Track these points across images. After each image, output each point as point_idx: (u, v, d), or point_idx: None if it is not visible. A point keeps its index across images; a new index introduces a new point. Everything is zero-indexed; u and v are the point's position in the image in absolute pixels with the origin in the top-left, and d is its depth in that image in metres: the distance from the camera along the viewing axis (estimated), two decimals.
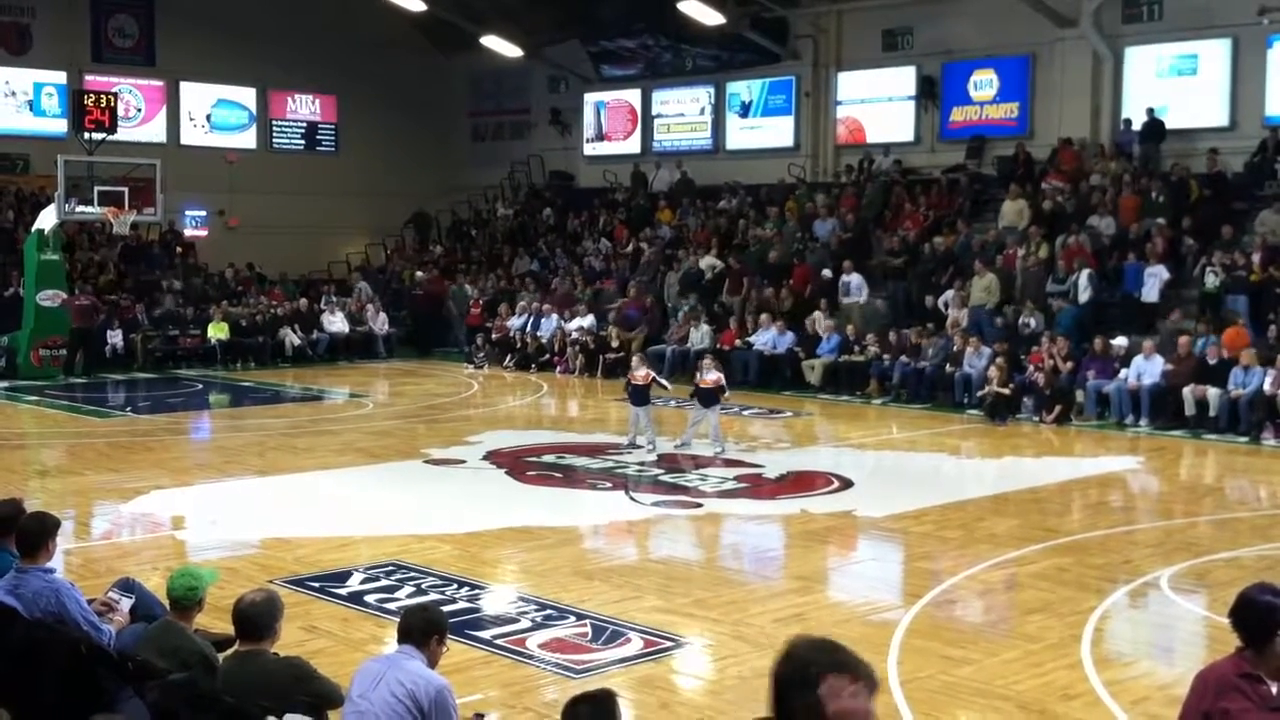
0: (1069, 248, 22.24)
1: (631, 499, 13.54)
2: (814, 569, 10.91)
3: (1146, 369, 18.93)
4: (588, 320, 26.30)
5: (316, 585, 9.79)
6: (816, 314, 23.55)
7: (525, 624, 8.90)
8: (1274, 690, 4.52)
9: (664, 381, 17.34)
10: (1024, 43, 26.43)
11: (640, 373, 16.71)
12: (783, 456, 16.45)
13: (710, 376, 16.47)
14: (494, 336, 27.34)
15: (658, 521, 12.62)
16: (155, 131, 32.95)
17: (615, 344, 24.88)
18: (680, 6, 28.67)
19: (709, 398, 16.33)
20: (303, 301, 28.59)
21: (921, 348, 21.48)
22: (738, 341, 23.81)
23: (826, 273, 24.95)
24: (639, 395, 16.46)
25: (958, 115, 27.77)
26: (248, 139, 34.97)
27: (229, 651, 5.95)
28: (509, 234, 33.22)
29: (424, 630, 5.49)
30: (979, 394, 19.53)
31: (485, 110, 37.51)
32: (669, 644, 8.53)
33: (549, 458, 15.90)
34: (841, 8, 29.35)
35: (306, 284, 31.81)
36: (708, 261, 26.91)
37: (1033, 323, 21.37)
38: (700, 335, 24.24)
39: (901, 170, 27.75)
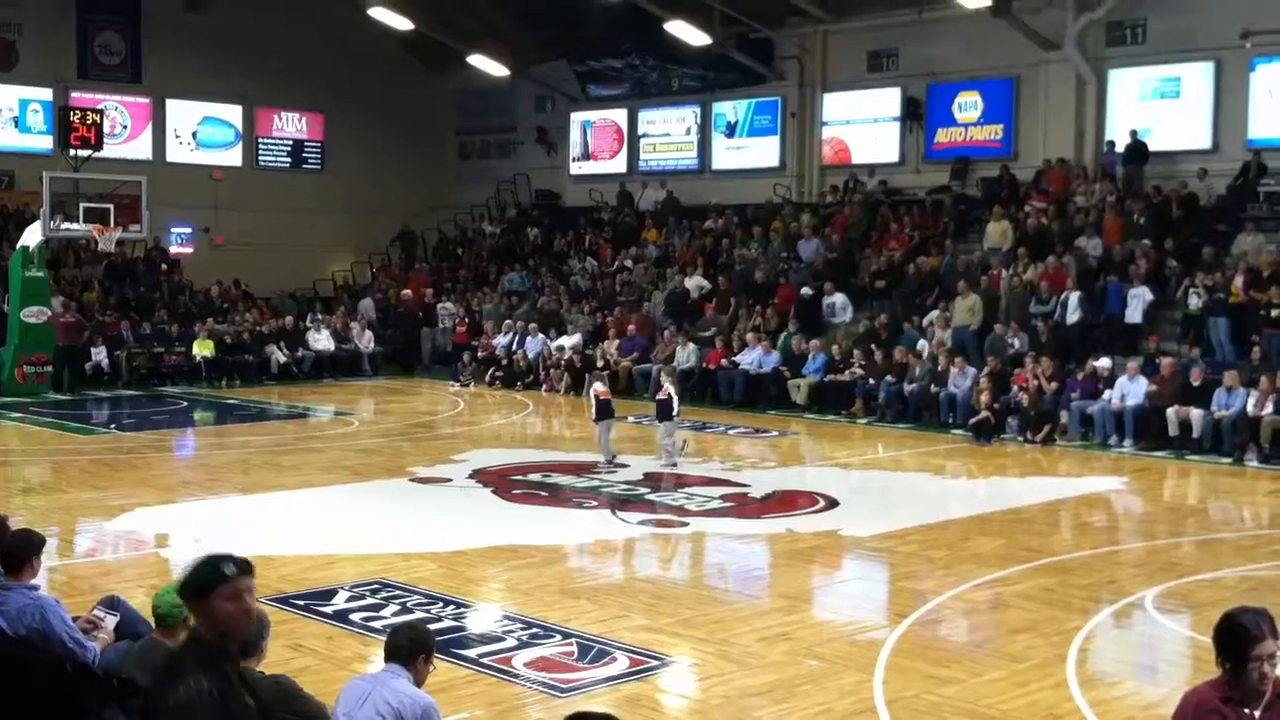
0: (1048, 269, 22.35)
1: (617, 518, 13.53)
2: (800, 588, 10.91)
3: (1130, 389, 19.01)
4: (574, 339, 26.31)
5: (301, 603, 9.76)
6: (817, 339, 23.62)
7: (511, 643, 8.89)
8: (1256, 715, 4.51)
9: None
10: (1008, 65, 26.58)
11: (601, 387, 17.07)
12: (768, 475, 16.45)
13: (661, 392, 16.65)
14: (479, 354, 27.33)
15: (643, 540, 12.62)
16: (141, 148, 32.90)
17: (601, 364, 24.86)
18: (667, 27, 28.80)
19: (660, 412, 16.47)
20: (288, 319, 28.55)
21: (908, 366, 21.52)
22: (724, 361, 23.83)
23: (806, 290, 25.03)
24: (603, 410, 16.68)
25: (942, 136, 27.92)
26: (234, 156, 34.94)
27: None
28: (495, 253, 33.23)
29: (410, 649, 5.50)
30: (973, 420, 19.47)
31: (472, 129, 37.57)
32: (655, 663, 8.53)
33: (535, 476, 15.89)
34: (827, 29, 29.50)
35: (307, 300, 31.89)
36: (695, 282, 26.96)
37: (1017, 343, 21.43)
38: (686, 355, 24.26)
39: (886, 191, 27.87)
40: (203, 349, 26.40)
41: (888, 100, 28.65)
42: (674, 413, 16.57)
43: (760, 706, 7.74)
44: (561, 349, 25.96)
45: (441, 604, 9.81)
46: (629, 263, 29.36)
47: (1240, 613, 4.64)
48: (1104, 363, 19.91)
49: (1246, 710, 4.49)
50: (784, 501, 14.60)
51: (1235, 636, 4.56)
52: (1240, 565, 11.76)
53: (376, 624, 9.17)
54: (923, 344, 21.90)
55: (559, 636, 8.99)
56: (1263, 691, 4.49)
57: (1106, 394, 19.32)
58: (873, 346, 22.38)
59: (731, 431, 20.38)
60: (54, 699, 5.58)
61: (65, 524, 13.00)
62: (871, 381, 21.80)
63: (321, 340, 28.17)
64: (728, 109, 31.51)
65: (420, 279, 32.38)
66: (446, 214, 35.90)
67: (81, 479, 15.54)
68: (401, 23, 32.44)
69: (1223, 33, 23.50)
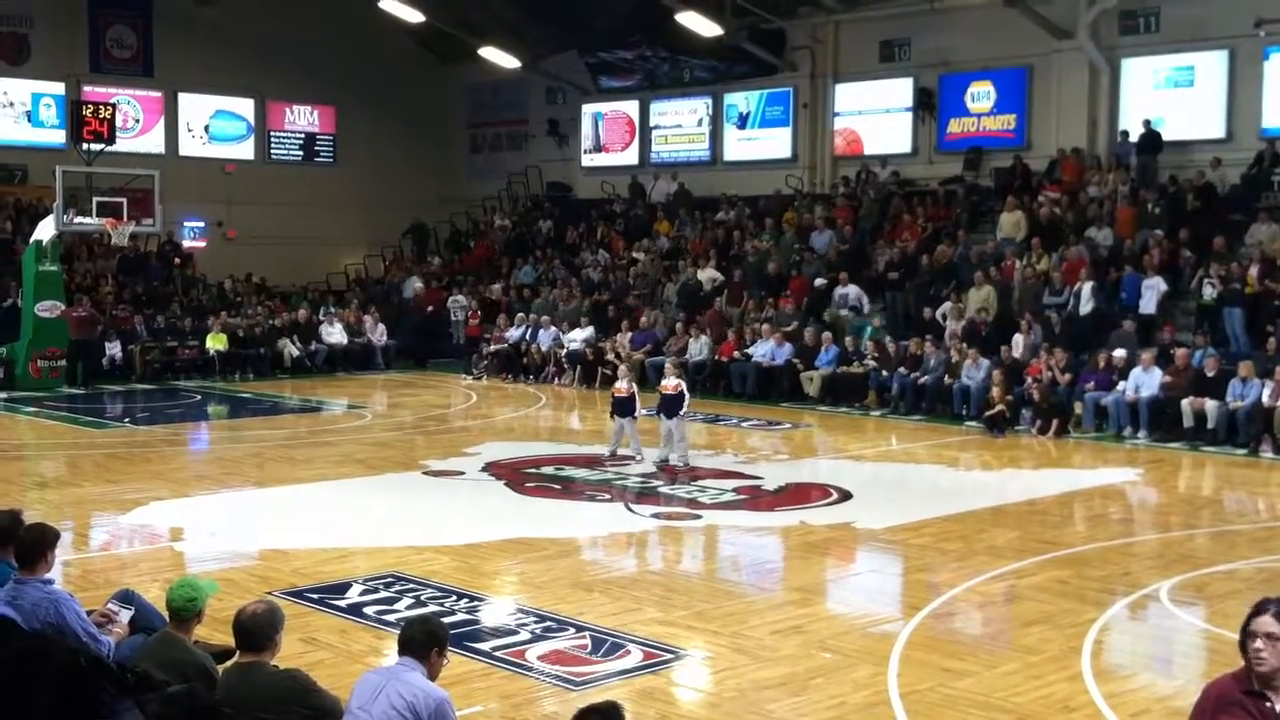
0: (1068, 260, 22.23)
1: (630, 510, 13.53)
2: (813, 581, 10.90)
3: (1145, 381, 18.93)
4: (587, 332, 26.30)
5: (315, 597, 9.77)
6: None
7: (524, 636, 8.89)
8: (1279, 708, 4.47)
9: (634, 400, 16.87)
10: (1021, 54, 26.50)
11: (622, 384, 16.82)
12: (781, 468, 16.44)
13: (669, 383, 16.44)
14: (493, 348, 27.33)
15: (656, 533, 12.61)
16: (153, 142, 32.99)
17: (611, 356, 24.84)
18: (678, 18, 28.76)
19: (668, 406, 16.22)
20: (301, 313, 28.59)
21: (922, 358, 21.46)
22: (736, 353, 23.80)
23: (820, 281, 25.00)
24: (622, 406, 16.51)
25: (955, 127, 27.84)
26: (246, 150, 35.01)
27: (228, 663, 5.94)
28: (507, 245, 33.24)
29: (424, 642, 5.49)
30: (988, 414, 19.38)
31: (483, 121, 37.57)
32: (668, 656, 8.52)
33: (548, 469, 15.89)
34: (839, 19, 29.42)
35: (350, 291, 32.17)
36: (707, 274, 26.93)
37: (1031, 335, 21.35)
38: (699, 347, 24.23)
39: (899, 182, 27.80)
40: (216, 343, 26.46)
41: (900, 90, 28.57)
42: (683, 408, 16.39)
43: (774, 699, 7.73)
44: (578, 340, 25.97)
45: (455, 597, 9.81)
46: (638, 254, 29.32)
47: (1265, 602, 4.60)
48: (1118, 353, 19.82)
49: (1268, 704, 4.45)
50: (797, 494, 14.59)
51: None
52: (1255, 557, 11.71)
53: (390, 618, 9.18)
54: (1018, 338, 21.12)
55: (572, 630, 8.99)
56: (1262, 673, 4.43)
57: (1121, 385, 19.25)
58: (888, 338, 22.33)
59: (744, 424, 20.35)
60: (68, 693, 5.58)
61: (80, 518, 13.04)
62: (885, 374, 21.76)
63: (334, 334, 28.21)
64: (739, 100, 31.46)
65: (481, 250, 32.45)
66: (458, 207, 35.92)
67: (96, 473, 15.59)
68: (412, 15, 32.45)
69: (1236, 21, 23.41)
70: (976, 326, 21.97)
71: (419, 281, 31.84)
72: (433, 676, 5.45)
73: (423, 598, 9.80)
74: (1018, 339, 21.04)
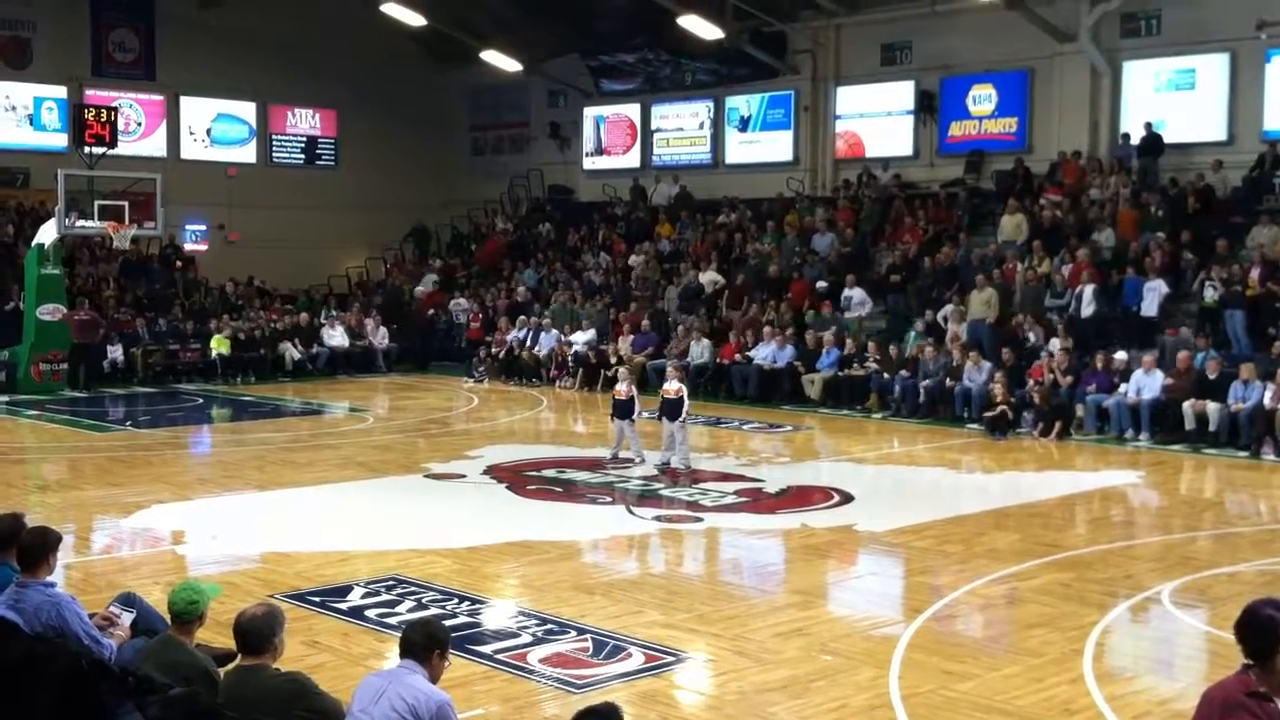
0: (1078, 263, 22.16)
1: (632, 513, 13.53)
2: (814, 583, 10.89)
3: (1146, 383, 18.93)
4: (589, 334, 26.30)
5: (317, 600, 9.78)
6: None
7: (526, 639, 8.89)
8: None
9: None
10: (1023, 57, 26.50)
11: (622, 387, 16.83)
12: (783, 471, 16.44)
13: (671, 386, 16.43)
14: (494, 350, 27.32)
15: (658, 536, 12.61)
16: (155, 146, 33.01)
17: (614, 360, 24.84)
18: (680, 21, 28.79)
19: (669, 410, 16.20)
20: (303, 315, 28.60)
21: (921, 362, 21.45)
22: (738, 356, 23.80)
23: (822, 284, 25.00)
24: (621, 409, 16.51)
25: (956, 130, 27.84)
26: (248, 153, 35.04)
27: (230, 666, 5.95)
28: (508, 248, 33.24)
29: (425, 645, 5.49)
30: (990, 414, 19.35)
31: (485, 124, 37.60)
32: (670, 659, 8.52)
33: (549, 472, 15.89)
34: (840, 22, 29.43)
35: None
36: (709, 277, 26.93)
37: (1032, 337, 21.36)
38: (700, 349, 24.23)
39: (900, 185, 27.80)
40: (218, 346, 26.47)
41: (901, 93, 28.58)
42: (684, 411, 16.34)
43: (776, 702, 7.72)
44: (581, 343, 25.97)
45: (456, 600, 9.81)
46: (635, 258, 29.29)
47: (1263, 606, 4.60)
48: (1120, 355, 19.82)
49: (1272, 704, 4.46)
50: (799, 497, 14.58)
51: (1263, 631, 4.52)
52: (1257, 559, 11.70)
53: (392, 620, 9.18)
54: (1054, 340, 20.84)
55: (574, 632, 8.99)
56: None
57: (1122, 387, 19.25)
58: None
59: (746, 427, 20.35)
60: (70, 696, 5.59)
61: (81, 521, 13.04)
62: (886, 376, 21.75)
63: (336, 337, 28.22)
64: (741, 103, 31.47)
65: (491, 247, 32.31)
66: (460, 209, 35.92)
67: (97, 476, 15.59)
68: (414, 18, 32.48)
69: (1238, 24, 23.41)
70: (1014, 330, 21.78)
71: (423, 285, 31.78)
72: (434, 679, 5.46)
73: (424, 600, 9.80)
74: (1054, 341, 20.86)
